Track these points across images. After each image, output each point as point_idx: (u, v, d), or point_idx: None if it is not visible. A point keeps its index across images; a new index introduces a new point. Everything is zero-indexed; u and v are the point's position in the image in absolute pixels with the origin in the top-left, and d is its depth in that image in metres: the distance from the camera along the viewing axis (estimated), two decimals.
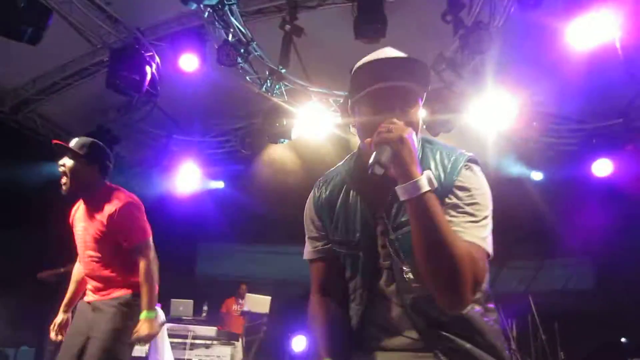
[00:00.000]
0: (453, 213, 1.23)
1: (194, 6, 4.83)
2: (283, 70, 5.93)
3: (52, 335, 2.88)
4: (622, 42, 4.61)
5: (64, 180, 2.63)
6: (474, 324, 1.26)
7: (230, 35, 5.50)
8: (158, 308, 2.77)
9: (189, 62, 5.52)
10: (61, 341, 2.76)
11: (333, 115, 6.45)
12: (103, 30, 5.46)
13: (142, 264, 2.62)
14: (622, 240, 6.61)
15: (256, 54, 5.88)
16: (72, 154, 2.63)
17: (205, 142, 8.07)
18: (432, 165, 1.32)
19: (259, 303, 6.73)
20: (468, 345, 1.23)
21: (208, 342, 5.79)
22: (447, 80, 5.76)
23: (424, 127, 6.30)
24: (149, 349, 2.81)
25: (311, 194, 1.55)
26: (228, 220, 8.54)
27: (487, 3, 5.07)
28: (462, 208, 1.24)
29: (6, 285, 5.65)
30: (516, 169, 7.62)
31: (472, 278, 1.13)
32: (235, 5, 5.38)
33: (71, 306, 2.92)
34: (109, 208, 2.62)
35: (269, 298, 6.76)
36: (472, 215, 1.23)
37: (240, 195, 8.54)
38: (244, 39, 5.59)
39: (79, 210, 2.82)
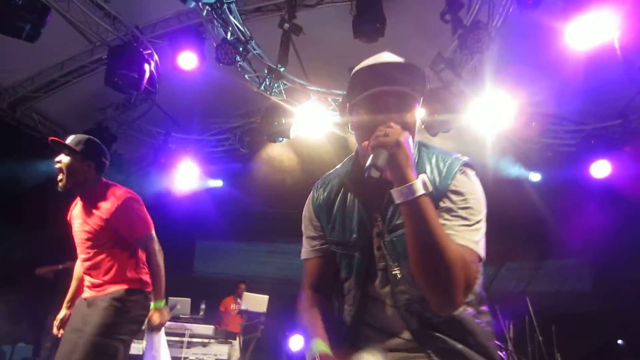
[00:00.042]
0: (447, 216, 1.25)
1: (192, 4, 4.82)
2: (282, 69, 5.92)
3: (55, 330, 2.91)
4: (621, 42, 4.60)
5: (60, 176, 2.65)
6: (466, 326, 1.27)
7: (229, 34, 5.50)
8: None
9: (187, 60, 5.52)
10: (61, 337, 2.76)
11: (332, 114, 6.45)
12: (101, 27, 5.45)
13: (147, 256, 2.70)
14: (619, 241, 6.62)
15: (255, 52, 5.88)
16: (68, 150, 2.65)
17: (204, 141, 8.06)
18: (428, 169, 1.34)
19: (256, 302, 6.72)
20: (460, 346, 1.25)
21: (205, 340, 5.79)
22: (446, 80, 5.75)
23: (423, 126, 6.30)
24: (146, 347, 2.80)
25: (310, 195, 1.57)
26: (226, 219, 8.54)
27: (486, 3, 5.07)
28: (456, 212, 1.26)
29: (4, 282, 5.65)
30: (515, 170, 7.63)
31: (464, 280, 1.15)
32: (234, 4, 5.38)
33: (73, 302, 2.93)
34: (109, 203, 2.63)
35: (266, 297, 6.76)
36: (465, 219, 1.25)
37: (239, 194, 8.54)
38: (242, 38, 5.58)
39: (76, 207, 2.83)
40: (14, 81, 6.37)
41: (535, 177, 7.75)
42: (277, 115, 6.34)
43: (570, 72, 5.21)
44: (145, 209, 2.76)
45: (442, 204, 1.26)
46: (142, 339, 2.88)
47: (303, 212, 1.57)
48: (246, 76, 6.08)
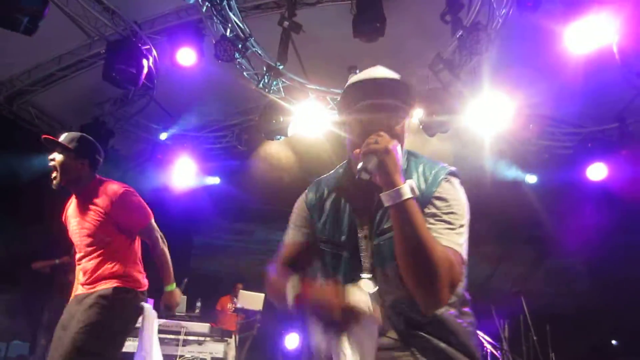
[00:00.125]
0: (432, 221, 1.32)
1: (192, 0, 4.80)
2: (281, 67, 5.91)
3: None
4: (620, 46, 4.62)
5: (54, 174, 2.65)
6: (448, 325, 1.34)
7: (228, 30, 5.48)
8: (148, 305, 2.77)
9: (186, 56, 5.50)
10: None
11: (330, 112, 6.44)
12: (100, 22, 5.42)
13: (151, 245, 2.78)
14: (615, 243, 6.66)
15: (254, 49, 5.86)
16: (61, 148, 2.65)
17: (202, 137, 8.04)
18: (415, 177, 1.42)
19: (252, 300, 6.72)
20: (443, 345, 1.32)
21: (201, 338, 5.77)
22: (445, 81, 5.76)
23: (421, 127, 6.32)
24: (137, 346, 2.78)
25: (303, 194, 1.64)
26: (223, 216, 8.53)
27: (486, 4, 5.07)
28: (440, 217, 1.33)
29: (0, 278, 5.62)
30: (512, 172, 7.66)
31: (449, 279, 1.22)
32: (233, 0, 5.36)
33: None
34: (106, 199, 2.62)
35: (262, 295, 6.75)
36: (449, 223, 1.32)
37: (236, 191, 8.52)
38: (242, 35, 5.57)
39: (70, 207, 2.82)
40: (11, 74, 6.32)
41: (531, 179, 7.78)
42: (275, 113, 6.33)
43: (569, 75, 5.23)
44: (142, 200, 2.78)
45: (427, 210, 1.34)
46: (136, 336, 2.86)
47: (294, 208, 1.64)
48: (245, 73, 6.06)
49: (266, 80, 6.16)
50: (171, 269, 2.83)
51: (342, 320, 1.19)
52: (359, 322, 1.20)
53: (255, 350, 6.80)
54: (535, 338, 5.54)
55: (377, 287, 1.37)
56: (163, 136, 7.64)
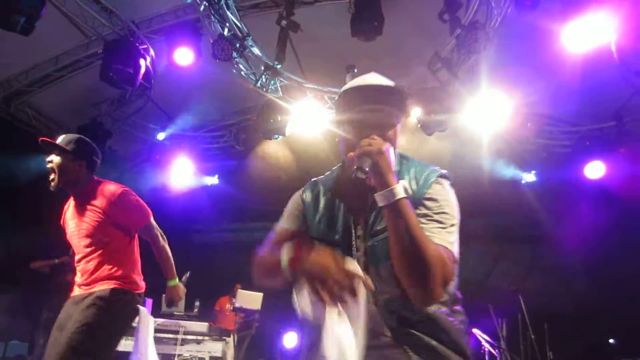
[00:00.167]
0: (424, 221, 1.36)
1: None
2: (279, 66, 5.90)
3: None
4: (618, 45, 4.62)
5: (52, 176, 2.66)
6: (439, 323, 1.37)
7: (226, 30, 5.46)
8: (144, 308, 2.76)
9: (183, 56, 5.48)
10: None
11: (328, 111, 6.44)
12: (97, 22, 5.40)
13: (152, 243, 2.83)
14: (613, 242, 6.67)
15: (252, 48, 5.85)
16: (59, 150, 2.66)
17: (199, 137, 8.03)
18: (407, 179, 1.47)
19: (251, 299, 6.72)
20: (434, 343, 1.35)
21: (199, 337, 5.77)
22: (443, 80, 5.76)
23: (419, 126, 6.32)
24: (133, 347, 2.78)
25: (299, 191, 1.68)
26: (222, 216, 8.52)
27: (484, 3, 5.07)
28: (432, 217, 1.38)
29: None
30: (510, 170, 7.66)
31: (442, 276, 1.27)
32: (231, 0, 5.35)
33: None
34: (104, 199, 2.63)
35: (260, 294, 6.75)
36: (440, 222, 1.37)
37: (234, 191, 8.51)
38: (239, 34, 5.55)
39: (69, 210, 2.82)
40: (8, 75, 6.31)
41: (529, 177, 7.79)
42: (273, 112, 6.32)
43: (567, 73, 5.23)
44: (141, 199, 2.80)
45: (418, 211, 1.37)
46: (131, 335, 2.87)
47: (289, 203, 1.67)
48: (242, 73, 6.05)
49: (264, 80, 6.15)
50: (173, 264, 2.91)
51: (338, 282, 1.19)
52: (353, 286, 1.20)
53: (253, 349, 6.80)
54: (533, 337, 5.55)
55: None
56: (161, 136, 7.63)
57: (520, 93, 5.93)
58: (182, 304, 6.42)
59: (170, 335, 5.56)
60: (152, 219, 2.81)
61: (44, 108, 6.89)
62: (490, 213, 7.48)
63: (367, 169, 1.30)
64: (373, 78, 1.51)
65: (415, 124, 6.47)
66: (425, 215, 1.38)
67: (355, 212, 1.49)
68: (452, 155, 6.80)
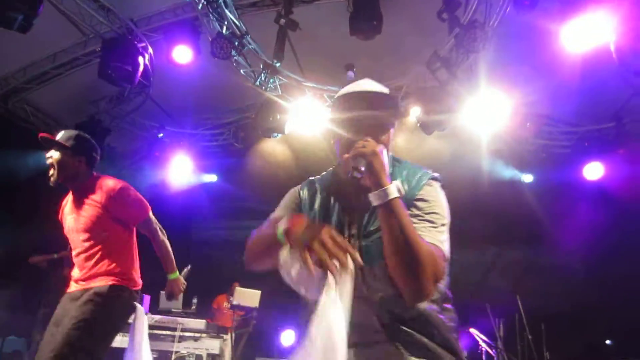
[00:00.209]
0: (415, 221, 1.41)
1: None
2: (277, 64, 5.89)
3: None
4: (617, 45, 4.61)
5: (51, 171, 2.68)
6: (430, 321, 1.43)
7: (225, 28, 5.45)
8: (140, 306, 2.78)
9: (182, 54, 5.47)
10: None
11: (327, 110, 6.43)
12: (95, 19, 5.39)
13: (151, 237, 2.84)
14: (611, 243, 6.66)
15: (250, 47, 5.84)
16: (58, 146, 2.68)
17: (198, 135, 8.02)
18: (399, 180, 1.51)
19: (248, 297, 6.72)
20: (425, 340, 1.40)
21: (197, 334, 5.78)
22: (442, 79, 5.75)
23: (418, 125, 6.31)
24: (129, 344, 2.79)
25: (297, 187, 1.74)
26: (220, 213, 8.52)
27: (483, 2, 5.06)
28: (423, 216, 1.44)
29: None
30: (508, 170, 7.66)
31: (433, 273, 1.32)
32: None
33: None
34: (104, 194, 2.65)
35: (258, 292, 6.75)
36: (431, 222, 1.43)
37: (233, 189, 8.51)
38: (238, 32, 5.54)
39: (67, 205, 2.83)
40: (6, 72, 6.29)
41: (527, 178, 7.79)
42: (272, 110, 6.31)
43: (566, 73, 5.22)
44: (139, 194, 2.81)
45: (410, 212, 1.42)
46: (126, 332, 2.87)
47: (285, 197, 1.73)
48: (241, 71, 6.04)
49: (263, 78, 6.15)
50: (173, 258, 2.93)
51: (328, 249, 1.22)
52: (342, 256, 1.22)
53: (251, 347, 6.80)
54: (530, 337, 5.56)
55: (365, 285, 1.44)
56: (160, 135, 7.63)
57: (520, 93, 5.92)
58: (180, 300, 6.44)
59: (168, 332, 5.58)
60: (151, 213, 2.82)
61: (42, 105, 6.88)
62: (488, 213, 7.47)
63: (361, 170, 1.35)
64: (368, 84, 1.58)
65: (415, 123, 6.47)
66: (416, 215, 1.43)
67: (350, 211, 1.53)
68: (451, 155, 6.79)
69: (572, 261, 7.04)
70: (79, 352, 2.39)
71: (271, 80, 6.23)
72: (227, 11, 5.36)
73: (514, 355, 5.74)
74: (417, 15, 5.57)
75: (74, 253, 2.75)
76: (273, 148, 7.73)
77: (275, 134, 6.56)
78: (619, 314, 6.50)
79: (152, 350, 5.43)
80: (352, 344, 1.37)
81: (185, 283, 3.09)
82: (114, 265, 2.65)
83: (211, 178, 8.74)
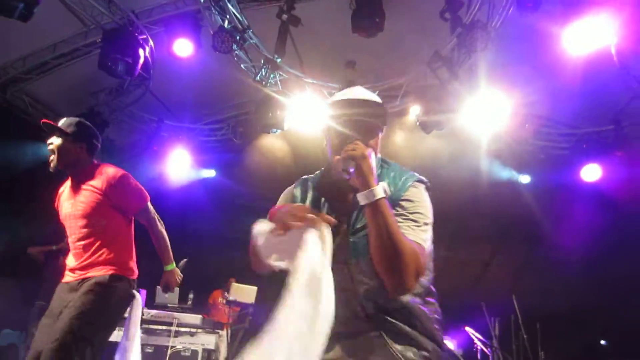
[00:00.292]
0: (400, 220, 1.51)
1: None
2: (278, 60, 5.87)
3: None
4: (618, 48, 4.62)
5: (51, 157, 2.70)
6: (413, 312, 1.53)
7: (227, 22, 5.43)
8: (138, 294, 2.78)
9: (183, 47, 5.45)
10: None
11: (326, 106, 6.40)
12: (96, 10, 5.35)
13: (149, 227, 2.85)
14: (608, 244, 6.70)
15: (252, 42, 5.82)
16: (59, 132, 2.70)
17: (197, 129, 7.99)
18: (386, 182, 1.59)
19: (245, 293, 6.72)
20: (408, 329, 1.51)
21: (193, 330, 5.78)
22: (442, 78, 5.74)
23: (418, 124, 6.32)
24: (124, 332, 2.80)
25: (291, 186, 1.83)
26: (218, 208, 8.50)
27: (486, 3, 5.06)
28: (407, 216, 1.54)
29: None
30: (506, 171, 7.68)
31: (415, 268, 1.42)
32: None
33: None
34: (104, 180, 2.65)
35: (254, 288, 6.76)
36: (415, 221, 1.53)
37: (232, 184, 8.49)
38: (240, 26, 5.52)
39: (64, 192, 2.83)
40: (5, 61, 6.24)
41: (525, 179, 7.81)
42: (271, 106, 6.29)
43: (567, 75, 5.24)
44: (139, 184, 2.82)
45: (395, 211, 1.52)
46: (122, 326, 2.87)
47: (281, 196, 1.83)
48: (242, 66, 6.02)
49: (263, 73, 6.13)
50: (170, 249, 2.93)
51: (300, 217, 1.33)
52: (314, 222, 1.33)
53: (246, 342, 6.79)
54: (525, 336, 5.59)
55: (351, 278, 1.55)
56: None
57: (520, 93, 5.93)
58: (176, 295, 6.43)
59: (164, 327, 5.57)
60: (149, 203, 2.83)
61: (41, 96, 6.83)
62: (486, 213, 7.50)
63: (350, 171, 1.45)
64: (360, 92, 1.71)
65: (414, 122, 6.47)
66: (401, 215, 1.53)
67: (339, 209, 1.63)
68: (450, 154, 6.80)
69: (568, 262, 7.07)
70: (80, 342, 2.40)
71: (272, 76, 6.21)
72: (229, 5, 5.34)
73: (508, 354, 5.77)
74: (418, 13, 5.57)
75: (71, 239, 2.74)
76: (272, 144, 7.71)
77: (274, 130, 6.54)
78: (615, 314, 6.55)
79: (148, 345, 5.46)
80: (338, 334, 1.48)
81: (182, 275, 3.09)
82: (112, 254, 2.66)
83: (209, 173, 8.72)
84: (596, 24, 4.57)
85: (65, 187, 2.83)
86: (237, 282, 7.12)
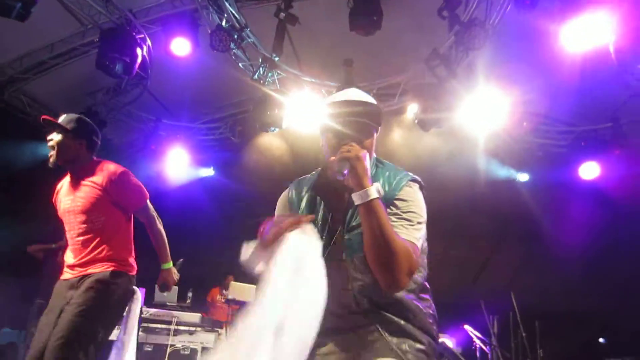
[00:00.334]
0: (393, 219, 1.56)
1: None
2: (276, 58, 5.87)
3: None
4: (616, 46, 4.62)
5: (51, 153, 2.70)
6: (406, 306, 1.58)
7: (224, 21, 5.43)
8: (137, 290, 2.79)
9: (181, 46, 5.44)
10: None
11: (324, 105, 6.40)
12: (94, 10, 5.34)
13: (148, 225, 2.86)
14: (606, 242, 6.72)
15: (249, 40, 5.81)
16: (60, 129, 2.71)
17: (195, 128, 7.99)
18: (381, 182, 1.65)
19: (244, 291, 6.72)
20: (402, 322, 1.55)
21: (192, 328, 5.79)
22: (440, 76, 5.74)
23: (416, 122, 6.32)
24: (121, 327, 2.81)
25: (286, 190, 1.85)
26: (217, 207, 8.50)
27: (484, 0, 5.06)
28: (400, 215, 1.58)
29: None
30: (505, 169, 7.69)
31: (407, 266, 1.46)
32: None
33: None
34: (104, 176, 2.66)
35: (253, 287, 6.75)
36: (408, 220, 1.57)
37: (230, 183, 8.49)
38: (237, 25, 5.52)
39: (63, 188, 2.83)
40: (2, 62, 6.23)
41: (523, 177, 7.82)
42: (270, 104, 6.28)
43: (564, 73, 5.24)
44: (139, 181, 2.83)
45: (389, 210, 1.56)
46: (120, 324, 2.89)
47: (278, 203, 1.86)
48: (240, 64, 6.02)
49: (261, 72, 6.12)
50: (167, 247, 2.93)
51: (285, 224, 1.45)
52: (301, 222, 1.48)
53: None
54: (524, 334, 5.60)
55: (346, 274, 1.60)
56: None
57: (518, 91, 5.94)
58: (174, 293, 6.43)
59: (163, 326, 5.58)
60: (149, 200, 2.84)
61: (38, 96, 6.82)
62: (485, 211, 7.51)
63: (345, 172, 1.49)
64: (355, 94, 1.73)
65: (412, 120, 6.47)
66: (395, 214, 1.57)
67: (334, 209, 1.68)
68: (448, 152, 6.81)
69: (566, 260, 7.09)
70: (83, 338, 2.42)
71: (270, 74, 6.21)
72: (227, 4, 5.33)
73: (507, 352, 5.78)
74: (416, 11, 5.56)
75: (69, 235, 2.74)
76: (270, 142, 7.70)
77: (273, 129, 6.54)
78: (614, 312, 6.56)
79: (148, 344, 5.47)
80: (334, 329, 1.58)
81: (179, 275, 3.09)
82: (112, 251, 2.67)
83: (208, 172, 8.72)
84: (594, 22, 4.57)
85: (64, 183, 2.83)
86: (236, 280, 7.12)
